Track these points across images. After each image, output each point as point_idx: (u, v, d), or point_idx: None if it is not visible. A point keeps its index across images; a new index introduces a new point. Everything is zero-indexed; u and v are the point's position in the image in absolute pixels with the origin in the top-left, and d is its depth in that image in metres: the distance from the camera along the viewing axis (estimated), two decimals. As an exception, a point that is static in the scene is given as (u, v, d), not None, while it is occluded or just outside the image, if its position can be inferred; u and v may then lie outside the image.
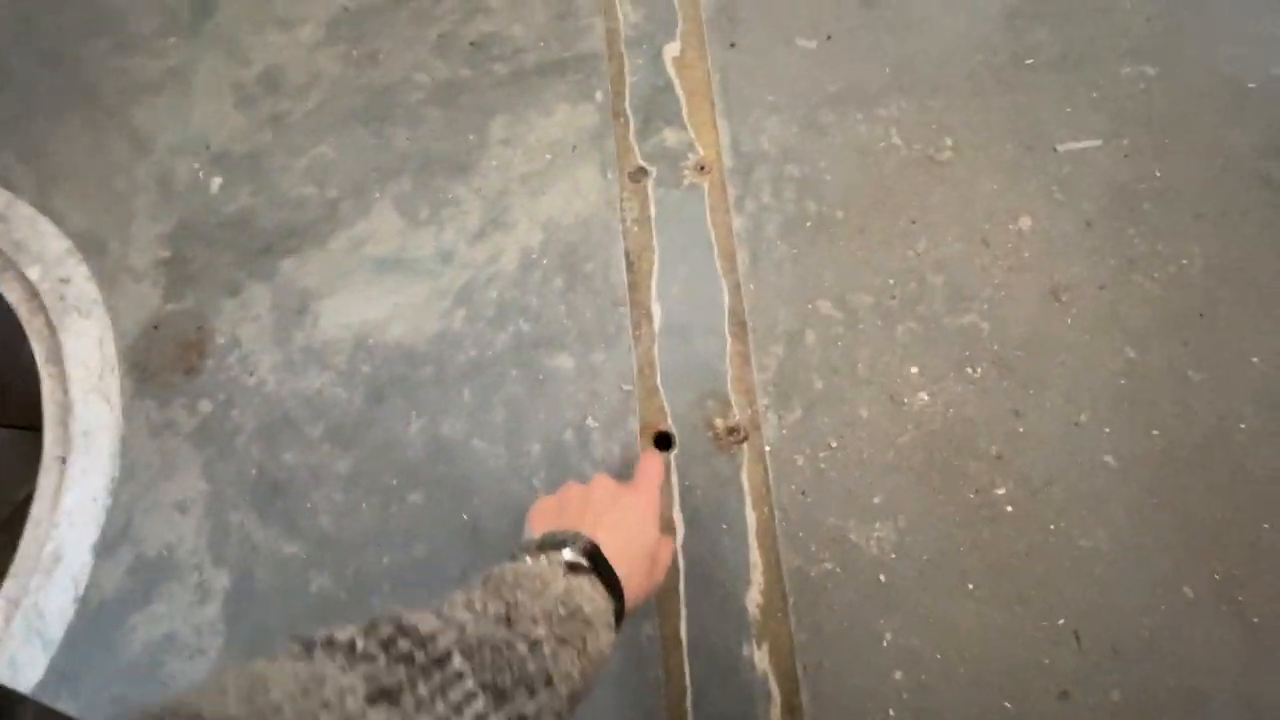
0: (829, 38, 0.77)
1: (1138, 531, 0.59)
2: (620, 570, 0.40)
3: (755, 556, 0.58)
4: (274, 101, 0.77)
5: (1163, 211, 0.68)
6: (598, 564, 0.39)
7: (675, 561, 0.58)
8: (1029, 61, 0.75)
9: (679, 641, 0.56)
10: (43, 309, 0.69)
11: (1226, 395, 0.62)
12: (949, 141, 0.72)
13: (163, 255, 0.71)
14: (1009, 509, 0.59)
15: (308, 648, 0.25)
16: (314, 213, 0.72)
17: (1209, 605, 0.56)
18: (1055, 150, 0.71)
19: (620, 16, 0.79)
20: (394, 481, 0.63)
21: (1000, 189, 0.70)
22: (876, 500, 0.60)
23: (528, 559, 0.38)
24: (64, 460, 0.64)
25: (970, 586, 0.57)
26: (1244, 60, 0.73)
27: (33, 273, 0.70)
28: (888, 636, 0.56)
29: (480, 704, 0.26)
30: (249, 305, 0.69)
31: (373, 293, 0.69)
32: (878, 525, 0.59)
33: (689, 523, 0.60)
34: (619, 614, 0.38)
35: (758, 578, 0.58)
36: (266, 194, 0.73)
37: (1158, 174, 0.70)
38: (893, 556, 0.58)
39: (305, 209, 0.72)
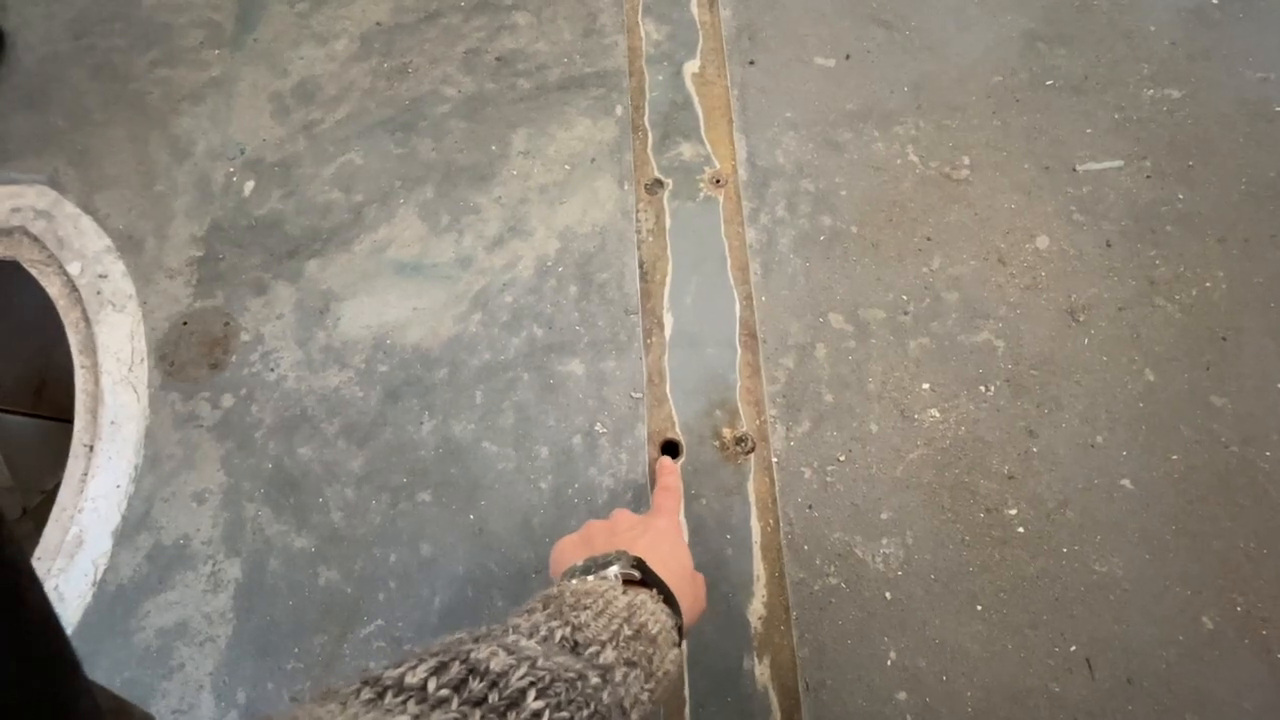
0: (848, 57, 0.78)
1: (1156, 559, 0.57)
2: (670, 585, 0.39)
3: (759, 568, 0.58)
4: (307, 111, 0.81)
5: (1185, 234, 0.67)
6: (648, 577, 0.38)
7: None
8: (1049, 83, 0.75)
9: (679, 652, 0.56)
10: (80, 302, 0.72)
11: (1250, 422, 0.60)
12: (966, 160, 0.72)
13: (195, 254, 0.74)
14: (1020, 530, 0.58)
15: (379, 693, 0.24)
16: (339, 217, 0.75)
17: (1230, 638, 0.54)
18: (1075, 171, 0.71)
19: (643, 35, 0.81)
20: (404, 480, 0.64)
21: (1018, 208, 0.70)
22: (884, 516, 0.59)
23: (574, 582, 0.36)
24: (91, 448, 0.67)
25: (979, 608, 0.56)
26: (1270, 84, 0.72)
27: (73, 268, 0.73)
28: (892, 656, 0.55)
29: None
30: (274, 304, 0.71)
31: (393, 296, 0.71)
32: (885, 542, 0.58)
33: (693, 532, 0.59)
34: (679, 629, 0.37)
35: (760, 590, 0.57)
36: (295, 198, 0.76)
37: (1180, 196, 0.69)
38: (899, 574, 0.57)
39: (331, 214, 0.75)
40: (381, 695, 0.24)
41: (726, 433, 0.63)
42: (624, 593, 0.35)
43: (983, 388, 0.63)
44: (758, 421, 0.63)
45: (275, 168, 0.78)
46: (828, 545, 0.58)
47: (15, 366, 1.17)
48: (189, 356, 0.70)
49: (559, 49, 0.81)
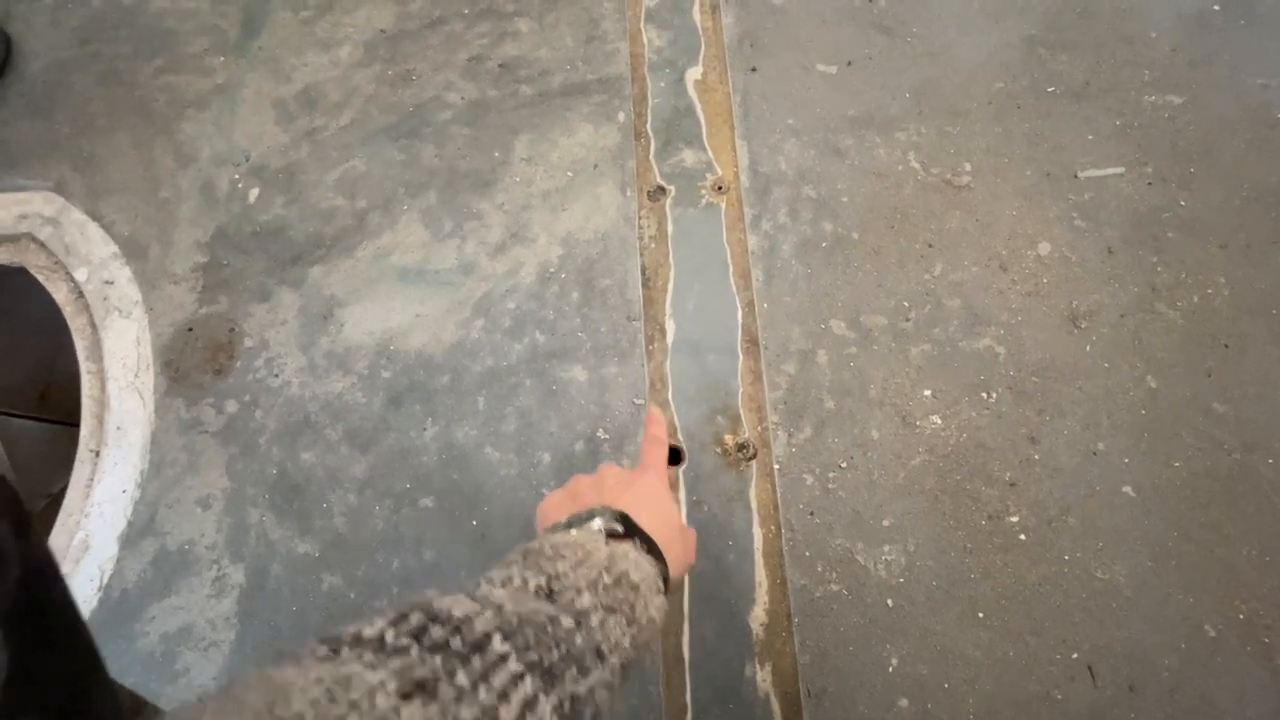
0: (849, 64, 0.79)
1: (1158, 566, 0.57)
2: (656, 538, 0.37)
3: (760, 574, 0.58)
4: (311, 118, 0.81)
5: (1187, 240, 0.67)
6: (631, 530, 0.37)
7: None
8: (1051, 89, 0.76)
9: (680, 658, 0.56)
10: (86, 308, 0.72)
11: (1253, 428, 0.60)
12: (968, 166, 0.72)
13: (200, 261, 0.75)
14: (1022, 537, 0.58)
15: (334, 648, 0.23)
16: (343, 224, 0.75)
17: (1233, 645, 0.54)
18: (1076, 177, 0.71)
19: (645, 41, 0.82)
20: (407, 486, 0.64)
21: (1019, 214, 0.70)
22: (886, 523, 0.59)
23: (555, 536, 0.35)
24: (97, 453, 0.67)
25: (980, 615, 0.56)
26: (1272, 91, 0.73)
27: (80, 274, 0.74)
28: (894, 662, 0.55)
29: (528, 686, 0.24)
30: (278, 310, 0.72)
31: (395, 301, 0.71)
32: (886, 548, 0.58)
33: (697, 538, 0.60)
34: (665, 579, 0.36)
35: (762, 596, 0.58)
36: (299, 205, 0.76)
37: (1182, 203, 0.69)
38: (901, 581, 0.57)
39: (335, 220, 0.75)
40: (336, 650, 0.23)
41: (728, 439, 0.63)
42: (606, 544, 0.34)
43: (984, 394, 0.63)
44: (759, 428, 0.63)
45: (279, 174, 0.78)
46: (829, 552, 0.58)
47: (20, 371, 1.18)
48: (194, 362, 0.70)
49: (561, 55, 0.81)
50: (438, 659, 0.23)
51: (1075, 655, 0.55)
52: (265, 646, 0.60)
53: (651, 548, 0.36)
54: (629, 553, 0.34)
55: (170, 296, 0.73)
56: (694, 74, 0.79)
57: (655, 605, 0.33)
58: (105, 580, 0.63)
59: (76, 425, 0.70)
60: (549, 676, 0.25)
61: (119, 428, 0.68)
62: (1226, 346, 0.63)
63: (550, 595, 0.29)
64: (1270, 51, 0.75)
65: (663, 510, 0.41)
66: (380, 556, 0.62)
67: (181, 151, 0.80)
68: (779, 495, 0.60)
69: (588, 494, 0.41)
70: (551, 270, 0.71)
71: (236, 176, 0.78)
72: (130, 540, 0.64)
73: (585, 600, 0.29)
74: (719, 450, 0.63)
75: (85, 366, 0.71)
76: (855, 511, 0.60)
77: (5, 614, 0.18)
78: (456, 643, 0.23)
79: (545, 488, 0.63)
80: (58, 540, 0.64)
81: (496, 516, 0.62)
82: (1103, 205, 0.70)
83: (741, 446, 0.62)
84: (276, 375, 0.69)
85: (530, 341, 0.68)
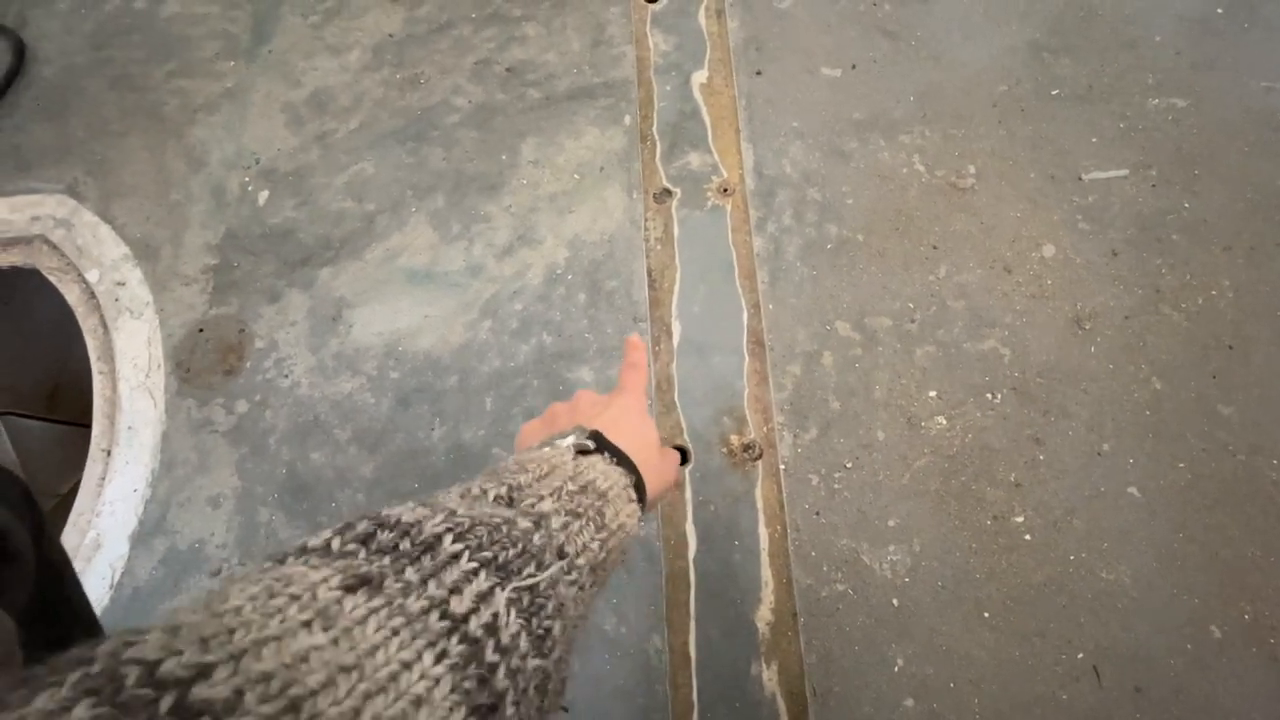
0: (854, 67, 0.79)
1: (1163, 567, 0.57)
2: (631, 454, 0.36)
3: (766, 574, 0.58)
4: (320, 121, 0.82)
5: (1191, 243, 0.68)
6: (603, 445, 0.35)
7: (688, 570, 0.59)
8: (1054, 92, 0.76)
9: (687, 657, 0.56)
10: (98, 309, 0.73)
11: (1257, 430, 0.61)
12: (972, 169, 0.73)
13: (210, 262, 0.75)
14: (1027, 538, 0.58)
15: (279, 560, 0.22)
16: (352, 226, 0.76)
17: (1239, 647, 0.54)
18: (1080, 180, 0.71)
19: (651, 45, 0.82)
20: (415, 485, 0.65)
21: (1023, 217, 0.70)
22: (891, 523, 0.59)
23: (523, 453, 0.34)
24: (109, 452, 0.68)
25: (986, 615, 0.56)
26: (1276, 94, 0.73)
27: (91, 276, 0.74)
28: (899, 663, 0.55)
29: (482, 580, 0.23)
30: (287, 312, 0.72)
31: (404, 303, 0.72)
32: (892, 548, 0.59)
33: (701, 538, 0.60)
34: (639, 490, 0.35)
35: (768, 596, 0.58)
36: (309, 207, 0.77)
37: (1186, 205, 0.69)
38: (906, 581, 0.58)
39: (344, 222, 0.76)
40: (281, 561, 0.22)
41: (734, 440, 0.63)
42: (574, 459, 0.33)
43: (989, 395, 0.63)
44: (765, 429, 0.63)
45: (289, 177, 0.79)
46: (835, 552, 0.59)
47: (31, 372, 1.19)
48: (204, 363, 0.71)
49: (568, 59, 0.82)
50: (385, 559, 0.22)
51: (1080, 656, 0.55)
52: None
53: (622, 460, 0.35)
54: (596, 463, 0.33)
55: (181, 298, 0.74)
56: (699, 77, 0.80)
57: (626, 512, 0.32)
58: (116, 578, 0.64)
59: (86, 426, 0.71)
60: (503, 571, 0.24)
61: (130, 427, 0.68)
62: (1231, 349, 0.63)
63: (510, 504, 0.28)
64: (1274, 55, 0.75)
65: (639, 429, 0.40)
66: (388, 556, 0.62)
67: (192, 155, 0.81)
68: (785, 495, 0.61)
69: (563, 418, 0.40)
70: (558, 272, 0.71)
71: (247, 179, 0.79)
72: (141, 539, 0.65)
73: (546, 505, 0.28)
74: (725, 451, 0.63)
75: (97, 367, 0.72)
76: (860, 512, 0.60)
77: (21, 613, 0.18)
78: (405, 545, 0.23)
79: (552, 488, 0.63)
80: (69, 539, 0.65)
81: (504, 516, 0.63)
82: (1107, 208, 0.70)
83: (747, 447, 0.62)
84: (286, 376, 0.70)
85: (537, 343, 0.69)
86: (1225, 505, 0.58)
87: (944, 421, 0.63)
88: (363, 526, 0.23)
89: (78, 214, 0.78)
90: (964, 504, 0.59)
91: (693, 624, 0.57)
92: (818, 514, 0.60)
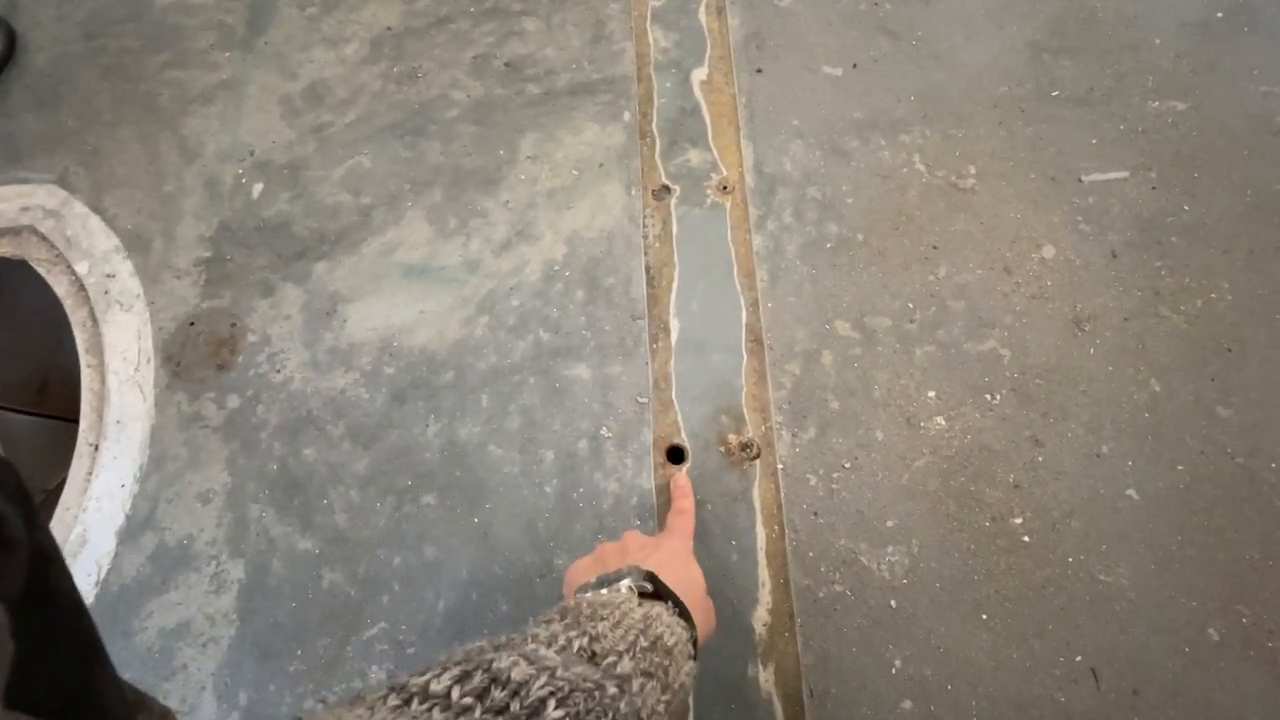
0: (854, 66, 0.79)
1: (1161, 569, 0.57)
2: (684, 600, 0.39)
3: (764, 575, 0.58)
4: (317, 114, 0.81)
5: (1190, 245, 0.68)
6: (660, 590, 0.39)
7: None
8: (1054, 94, 0.76)
9: (684, 657, 0.56)
10: (87, 301, 0.72)
11: (1255, 433, 0.60)
12: (972, 169, 0.73)
13: (203, 255, 0.74)
14: (1026, 539, 0.58)
15: (405, 699, 0.25)
16: (348, 220, 0.75)
17: (1236, 650, 0.54)
18: (1080, 181, 0.71)
19: (651, 41, 0.82)
20: (409, 483, 0.64)
21: (1023, 217, 0.70)
22: (890, 524, 0.59)
23: (590, 595, 0.37)
24: (96, 447, 0.67)
25: (984, 617, 0.56)
26: (1275, 99, 0.73)
27: (81, 268, 0.73)
28: (897, 664, 0.55)
29: None
30: (281, 305, 0.71)
31: (400, 298, 0.71)
32: (890, 549, 0.58)
33: (698, 538, 0.59)
34: (694, 642, 0.38)
35: (765, 596, 0.57)
36: (304, 200, 0.76)
37: (1186, 208, 0.69)
38: (905, 582, 0.57)
39: (339, 216, 0.75)
40: (408, 702, 0.25)
41: (732, 438, 0.63)
42: (640, 605, 0.36)
43: (988, 396, 0.63)
44: (763, 428, 0.63)
45: (284, 170, 0.78)
46: (833, 552, 0.58)
47: (19, 365, 1.17)
48: (195, 357, 0.70)
49: (568, 55, 0.81)
50: None
51: (1079, 658, 0.54)
52: (262, 644, 0.60)
53: (683, 611, 0.38)
54: (662, 615, 0.36)
55: (172, 291, 0.73)
56: (699, 75, 0.79)
57: (686, 670, 0.35)
58: (103, 575, 0.63)
59: (74, 421, 0.70)
60: None
61: (119, 422, 0.67)
62: (1230, 351, 0.63)
63: (592, 657, 0.31)
64: (1273, 59, 0.75)
65: (689, 574, 0.44)
66: (381, 553, 0.62)
67: (186, 146, 0.80)
68: (782, 495, 0.60)
69: (613, 557, 0.44)
70: (556, 268, 0.71)
71: (241, 172, 0.78)
72: (129, 535, 0.64)
73: (626, 665, 0.31)
74: (722, 449, 0.62)
75: (85, 360, 0.71)
76: (859, 512, 0.59)
77: (13, 601, 0.18)
78: (515, 706, 0.26)
79: (548, 485, 0.63)
80: (55, 535, 0.64)
81: (499, 514, 0.62)
82: (1106, 210, 0.70)
83: (745, 446, 0.62)
84: (279, 371, 0.69)
85: (534, 339, 0.68)
86: (1223, 508, 0.58)
87: (943, 422, 0.62)
88: (479, 680, 0.26)
89: (68, 205, 0.77)
90: (963, 505, 0.59)
91: (689, 624, 0.56)
92: (816, 514, 0.60)
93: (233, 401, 0.68)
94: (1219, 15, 0.79)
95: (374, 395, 0.67)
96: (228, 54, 0.86)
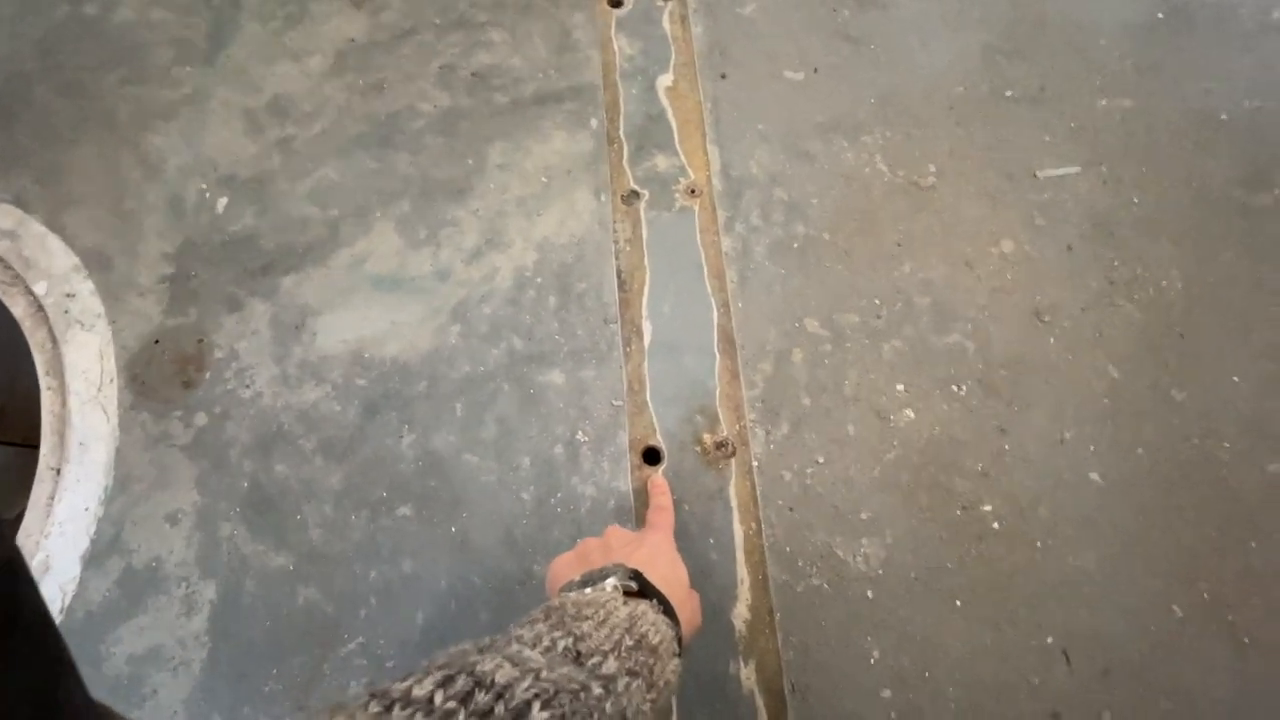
0: (816, 71, 0.81)
1: (1126, 550, 0.59)
2: (668, 596, 0.39)
3: (742, 572, 0.58)
4: (281, 127, 0.80)
5: (1141, 236, 0.70)
6: (645, 588, 0.39)
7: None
8: (1008, 94, 0.78)
9: (665, 658, 0.56)
10: (46, 322, 0.70)
11: (1209, 415, 0.63)
12: (932, 168, 0.75)
13: (167, 272, 0.73)
14: (996, 526, 0.59)
15: (386, 705, 0.25)
16: (315, 233, 0.74)
17: (1199, 625, 0.56)
18: (1035, 177, 0.74)
19: (616, 50, 0.83)
20: (384, 495, 0.63)
21: (983, 214, 0.72)
22: (864, 517, 0.60)
23: (574, 594, 0.37)
24: (58, 471, 0.65)
25: (958, 604, 0.57)
26: (1214, 95, 0.76)
27: (39, 288, 0.72)
28: (875, 654, 0.55)
29: None
30: (248, 321, 0.71)
31: (370, 310, 0.70)
32: (865, 542, 0.59)
33: (677, 537, 0.59)
34: (679, 640, 0.38)
35: (744, 593, 0.58)
36: (270, 214, 0.75)
37: (1135, 200, 0.72)
38: (880, 573, 0.58)
39: (307, 229, 0.75)
40: (389, 708, 0.25)
41: (707, 438, 0.63)
42: (624, 603, 0.36)
43: (955, 388, 0.64)
44: (737, 426, 0.64)
45: (249, 184, 0.77)
46: (809, 547, 0.59)
47: (-24, 392, 1.13)
48: (161, 375, 0.68)
49: (534, 64, 0.82)
50: None
51: (1050, 640, 0.56)
52: (236, 665, 0.58)
53: (667, 608, 0.38)
54: (647, 613, 0.36)
55: (136, 309, 0.72)
56: (665, 81, 0.80)
57: (671, 668, 0.35)
58: (67, 602, 0.61)
59: (34, 447, 0.68)
60: None
61: (81, 443, 0.66)
62: (1182, 337, 0.66)
63: (578, 657, 0.31)
64: (1211, 58, 0.79)
65: (673, 570, 0.44)
66: (358, 568, 0.61)
67: (147, 163, 0.79)
68: (758, 492, 0.61)
69: (595, 554, 0.44)
70: (527, 275, 0.71)
71: (204, 187, 0.77)
72: (94, 560, 0.62)
73: (611, 665, 0.31)
74: (698, 449, 0.63)
75: (45, 382, 0.69)
76: (833, 506, 0.60)
77: None
78: (500, 709, 0.26)
79: (525, 492, 0.62)
80: (17, 562, 0.62)
81: (476, 523, 0.62)
82: (1061, 204, 0.72)
83: (720, 445, 0.63)
84: (248, 386, 0.68)
85: (507, 346, 0.68)
86: (1182, 488, 0.60)
87: (912, 415, 0.63)
88: (462, 683, 0.26)
89: (25, 225, 0.75)
90: (933, 495, 0.60)
91: (670, 624, 0.57)
92: (791, 509, 0.60)
93: (200, 419, 0.67)
94: (1160, 17, 0.82)
95: (346, 408, 0.67)
96: (189, 69, 0.85)
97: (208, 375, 0.68)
